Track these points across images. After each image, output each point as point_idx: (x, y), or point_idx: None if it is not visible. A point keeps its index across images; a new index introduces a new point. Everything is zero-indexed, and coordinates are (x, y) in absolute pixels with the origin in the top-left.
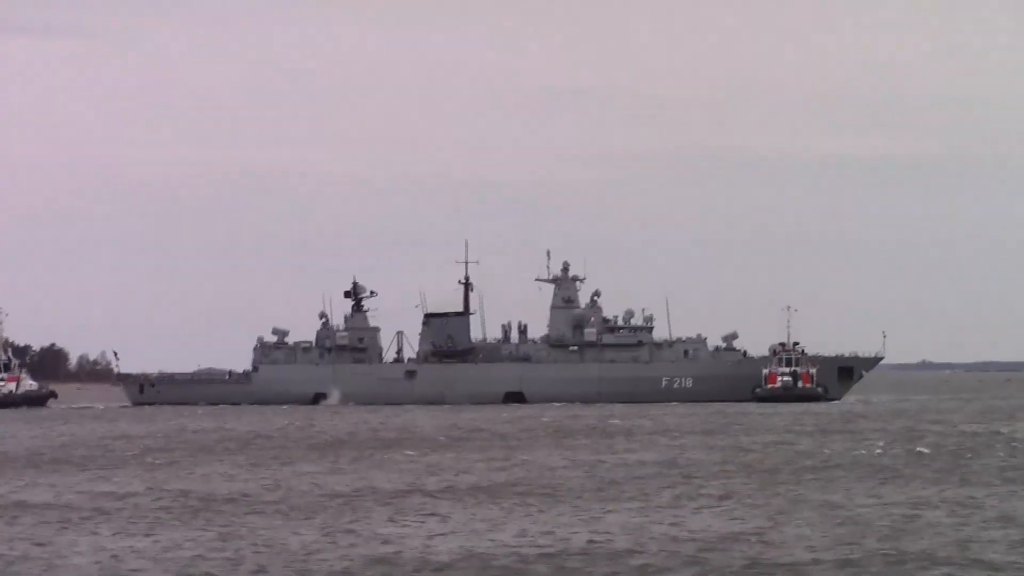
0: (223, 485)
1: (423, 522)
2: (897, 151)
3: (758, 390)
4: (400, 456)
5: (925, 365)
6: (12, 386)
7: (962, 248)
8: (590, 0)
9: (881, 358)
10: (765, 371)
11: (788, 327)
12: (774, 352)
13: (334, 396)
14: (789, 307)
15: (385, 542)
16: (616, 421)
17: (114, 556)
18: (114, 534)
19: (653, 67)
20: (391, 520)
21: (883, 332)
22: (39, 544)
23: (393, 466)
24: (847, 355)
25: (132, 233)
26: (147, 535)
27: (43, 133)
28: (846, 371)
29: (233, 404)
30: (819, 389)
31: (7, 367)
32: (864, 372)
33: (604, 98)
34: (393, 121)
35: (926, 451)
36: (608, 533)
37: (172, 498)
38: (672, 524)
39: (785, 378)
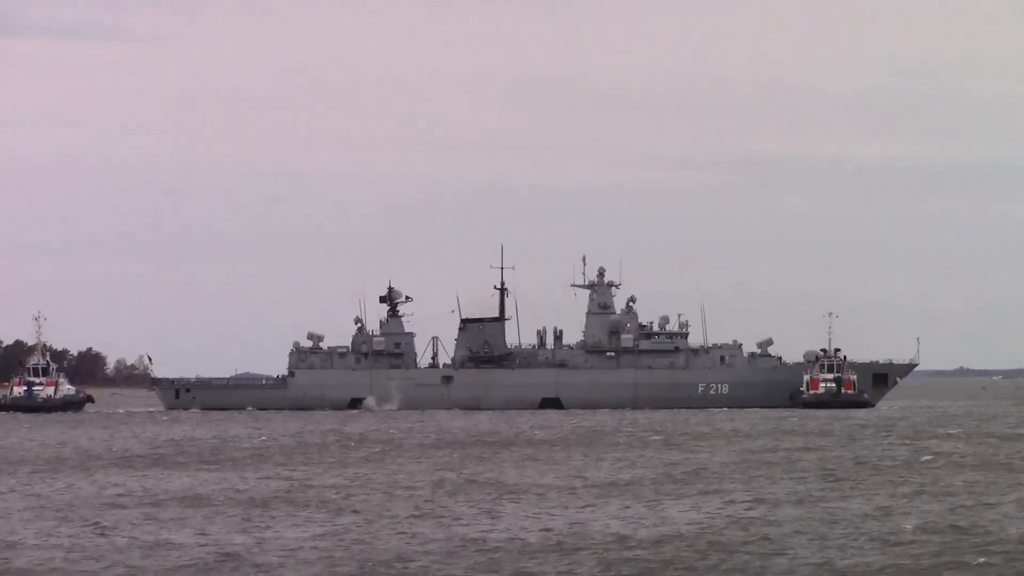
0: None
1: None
2: (936, 155)
3: (805, 396)
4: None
5: (962, 372)
6: (50, 390)
7: (1001, 253)
8: (629, 6)
9: (915, 364)
10: (807, 377)
11: (829, 333)
12: (816, 358)
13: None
14: (831, 313)
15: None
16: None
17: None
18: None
19: (691, 72)
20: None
21: (917, 338)
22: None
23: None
24: (881, 361)
25: (169, 238)
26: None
27: (77, 136)
28: (880, 377)
29: (269, 409)
30: (864, 395)
31: (45, 371)
32: (899, 379)
33: (640, 101)
34: (429, 125)
35: None
36: None
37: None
38: None
39: (829, 384)
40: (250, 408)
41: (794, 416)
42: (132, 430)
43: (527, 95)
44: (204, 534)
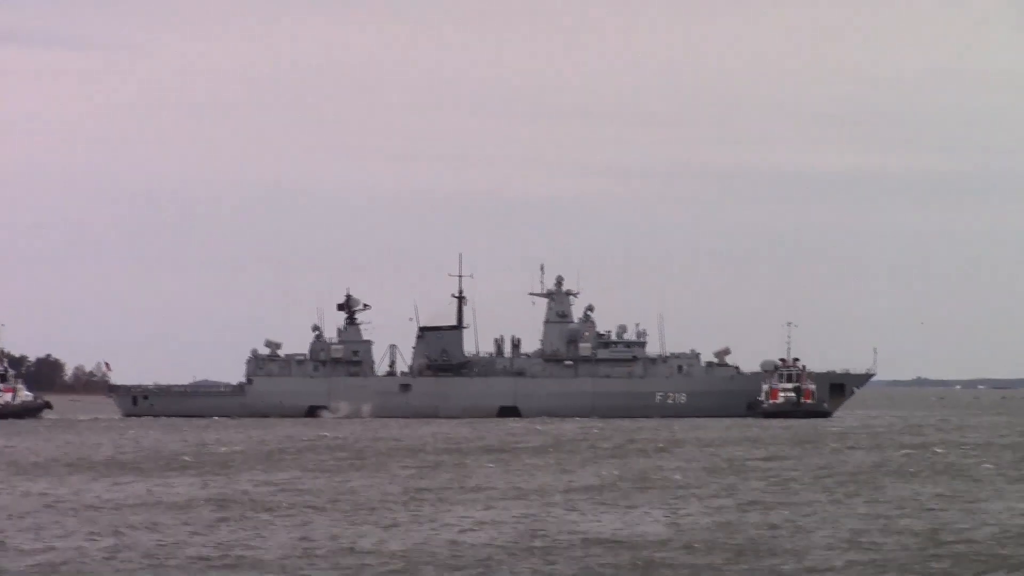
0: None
1: None
2: (893, 166)
3: (764, 405)
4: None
5: (920, 381)
6: (8, 396)
7: (960, 263)
8: (589, 12)
9: (872, 375)
10: (766, 386)
11: (788, 343)
12: (775, 368)
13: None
14: (790, 323)
15: None
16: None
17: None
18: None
19: (650, 80)
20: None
21: (874, 348)
22: None
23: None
24: (839, 371)
25: (128, 245)
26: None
27: (40, 142)
28: (837, 387)
29: (227, 417)
30: (824, 405)
31: (3, 378)
32: (856, 388)
33: (599, 111)
34: (387, 134)
35: None
36: None
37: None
38: None
39: (788, 394)
40: (215, 418)
41: (756, 426)
42: (94, 437)
43: (486, 105)
44: (172, 537)
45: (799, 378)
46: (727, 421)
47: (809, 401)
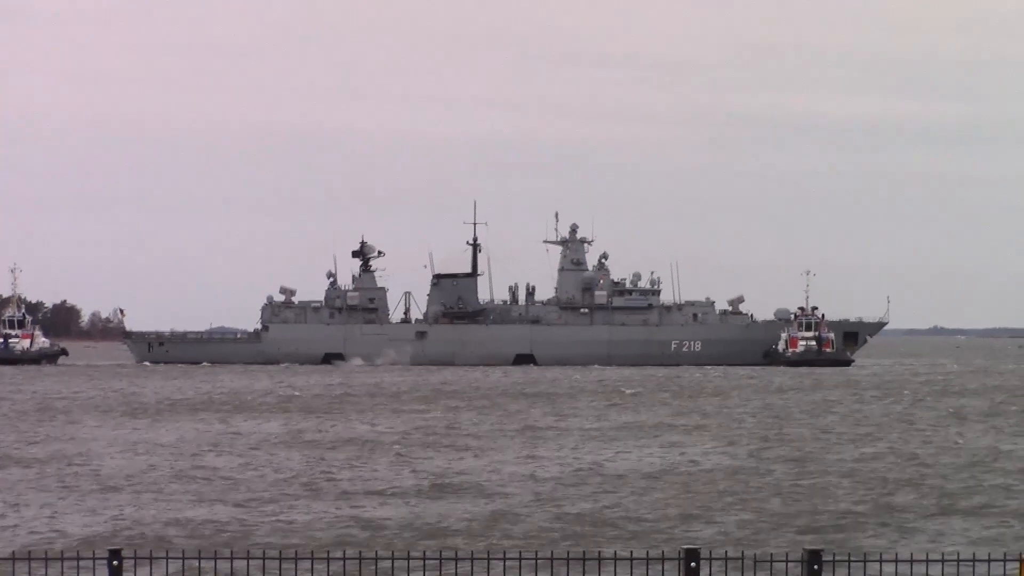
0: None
1: None
2: (908, 114)
3: (787, 353)
4: None
5: (936, 330)
6: (26, 343)
7: (976, 212)
8: None
9: (885, 323)
10: (784, 335)
11: (807, 291)
12: (794, 316)
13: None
14: (808, 272)
15: None
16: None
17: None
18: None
19: (666, 26)
20: None
21: (887, 297)
22: None
23: None
24: (852, 319)
25: (144, 190)
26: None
27: (55, 84)
28: (851, 336)
29: (243, 364)
30: (847, 353)
31: (21, 324)
32: (868, 337)
33: (615, 58)
34: (404, 80)
35: None
36: None
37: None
38: None
39: (809, 342)
40: (207, 364)
41: (785, 374)
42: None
43: (501, 50)
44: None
45: (818, 327)
46: (754, 370)
47: (829, 350)
